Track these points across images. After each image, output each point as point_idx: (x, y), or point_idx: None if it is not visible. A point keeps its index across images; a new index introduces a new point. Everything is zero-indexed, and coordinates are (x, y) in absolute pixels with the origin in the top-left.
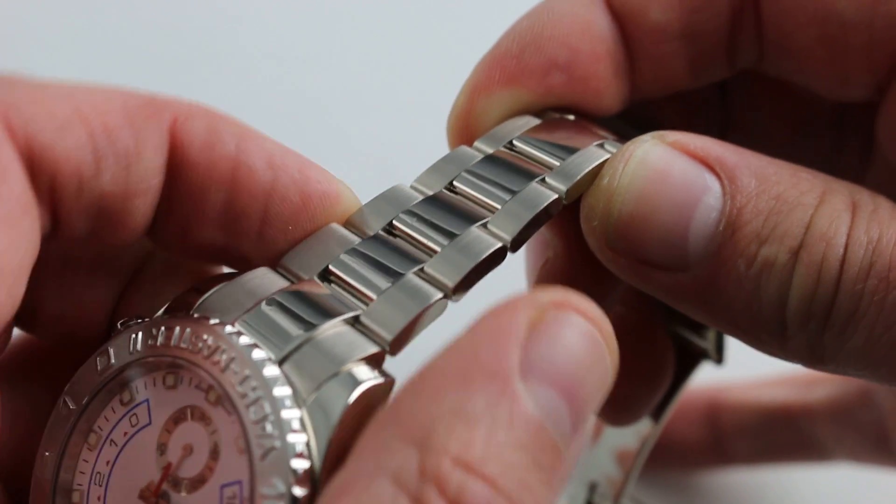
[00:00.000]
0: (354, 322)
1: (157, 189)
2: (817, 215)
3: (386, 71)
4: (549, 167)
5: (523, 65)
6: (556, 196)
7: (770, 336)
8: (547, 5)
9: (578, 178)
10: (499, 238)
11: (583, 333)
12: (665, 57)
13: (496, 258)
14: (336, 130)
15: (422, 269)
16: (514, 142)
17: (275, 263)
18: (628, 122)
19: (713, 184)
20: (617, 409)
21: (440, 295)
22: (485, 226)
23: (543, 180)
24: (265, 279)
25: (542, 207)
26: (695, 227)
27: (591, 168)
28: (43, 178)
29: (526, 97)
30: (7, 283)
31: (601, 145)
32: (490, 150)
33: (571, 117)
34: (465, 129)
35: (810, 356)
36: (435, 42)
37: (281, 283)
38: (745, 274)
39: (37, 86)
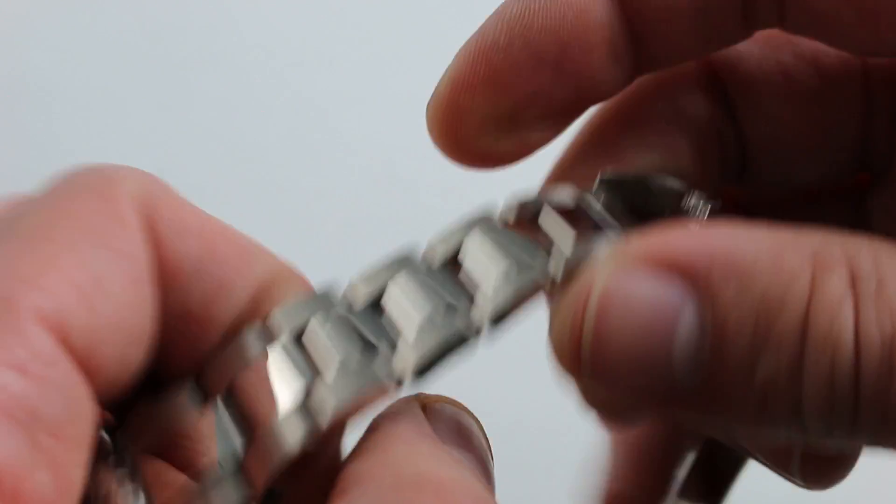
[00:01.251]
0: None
1: (229, 326)
2: (814, 312)
3: (386, 71)
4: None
5: (510, 60)
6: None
7: (793, 439)
8: None
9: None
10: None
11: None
12: (673, 33)
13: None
14: (335, 132)
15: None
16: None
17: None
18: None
19: (687, 301)
20: None
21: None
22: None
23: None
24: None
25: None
26: (678, 352)
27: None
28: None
29: (509, 100)
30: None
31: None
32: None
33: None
34: (444, 124)
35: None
36: (435, 42)
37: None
38: (746, 388)
39: (171, 190)
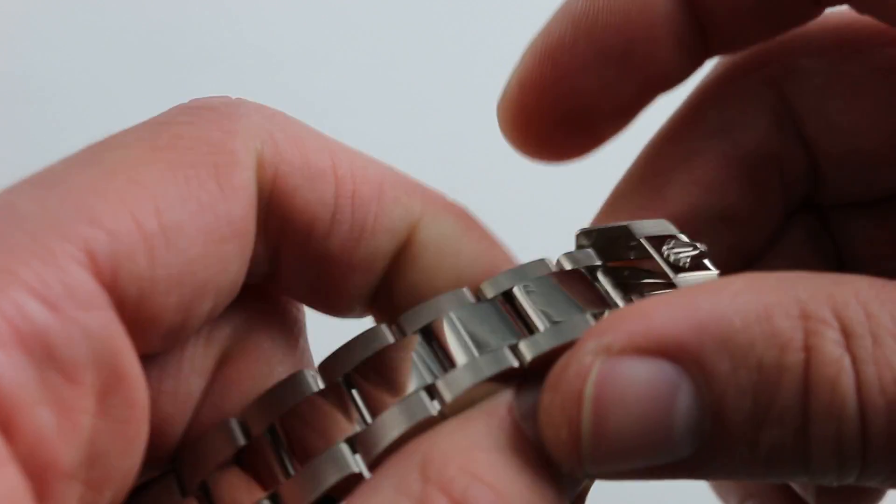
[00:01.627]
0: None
1: (379, 272)
2: (813, 381)
3: (385, 72)
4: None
5: (576, 59)
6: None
7: (797, 481)
8: None
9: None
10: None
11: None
12: (739, 15)
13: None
14: (335, 132)
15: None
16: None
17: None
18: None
19: (681, 380)
20: None
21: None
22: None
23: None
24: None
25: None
26: (678, 430)
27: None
28: (274, 219)
29: (578, 98)
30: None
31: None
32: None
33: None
34: (515, 123)
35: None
36: (434, 42)
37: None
38: (750, 457)
39: (300, 128)
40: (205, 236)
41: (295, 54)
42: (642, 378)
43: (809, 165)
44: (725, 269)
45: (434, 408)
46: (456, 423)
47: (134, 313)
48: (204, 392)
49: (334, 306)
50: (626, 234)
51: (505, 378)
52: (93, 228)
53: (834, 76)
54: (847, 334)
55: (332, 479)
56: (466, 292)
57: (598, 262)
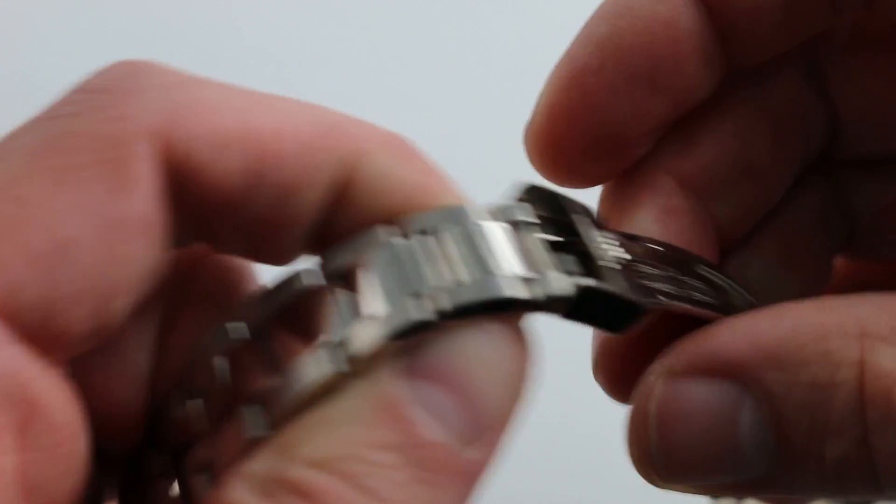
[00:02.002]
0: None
1: (315, 222)
2: (868, 392)
3: (386, 72)
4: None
5: (604, 83)
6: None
7: (870, 496)
8: (624, 2)
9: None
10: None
11: (489, 335)
12: (762, 29)
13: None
14: None
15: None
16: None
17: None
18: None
19: (743, 398)
20: None
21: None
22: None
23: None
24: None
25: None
26: (745, 446)
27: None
28: (189, 196)
29: (608, 123)
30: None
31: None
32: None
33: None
34: (545, 152)
35: None
36: (434, 42)
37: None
38: (819, 472)
39: (209, 91)
40: (105, 241)
41: (294, 54)
42: (703, 397)
43: (830, 121)
44: (739, 227)
45: (342, 364)
46: (336, 409)
47: (42, 334)
48: (153, 365)
49: (274, 259)
50: (554, 199)
51: (421, 330)
52: None
53: (858, 32)
54: None
55: (238, 444)
56: (393, 231)
57: (533, 220)
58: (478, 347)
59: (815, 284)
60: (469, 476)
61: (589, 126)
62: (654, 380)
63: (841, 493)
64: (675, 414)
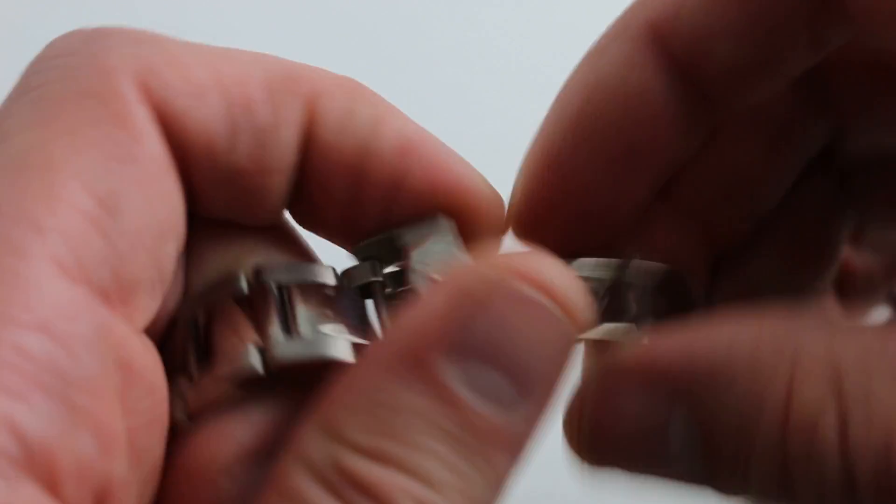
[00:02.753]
0: None
1: (292, 167)
2: (792, 426)
3: (386, 72)
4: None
5: (581, 167)
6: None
7: None
8: (594, 75)
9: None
10: None
11: (529, 305)
12: (740, 83)
13: None
14: None
15: None
16: None
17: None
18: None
19: (673, 408)
20: None
21: None
22: None
23: None
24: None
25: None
26: (674, 449)
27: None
28: (175, 146)
29: (588, 202)
30: (146, 244)
31: None
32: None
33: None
34: (527, 234)
35: None
36: (433, 42)
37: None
38: (745, 486)
39: (175, 46)
40: (138, 187)
41: (294, 54)
42: (636, 405)
43: (830, 120)
44: (737, 233)
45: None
46: (378, 368)
47: (116, 290)
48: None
49: (256, 215)
50: (390, 240)
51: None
52: (46, 234)
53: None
54: (839, 388)
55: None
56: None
57: (374, 278)
58: (525, 325)
59: (819, 281)
60: (525, 438)
61: (569, 207)
62: (596, 373)
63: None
64: (608, 411)
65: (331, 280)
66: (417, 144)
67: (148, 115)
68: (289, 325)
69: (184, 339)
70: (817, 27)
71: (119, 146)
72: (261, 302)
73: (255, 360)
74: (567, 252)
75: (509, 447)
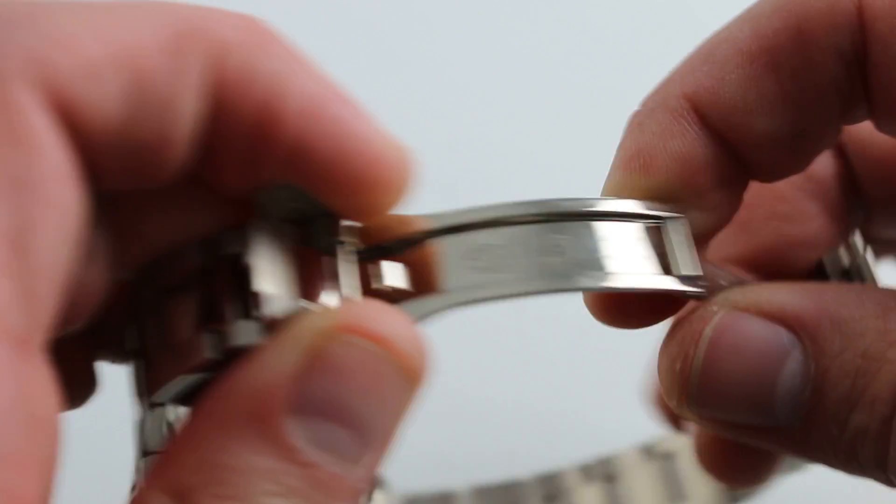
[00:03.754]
0: None
1: (197, 134)
2: None
3: (386, 72)
4: None
5: None
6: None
7: (875, 479)
8: (638, 145)
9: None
10: None
11: (367, 358)
12: (777, 156)
13: None
14: None
15: None
16: None
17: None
18: None
19: (793, 347)
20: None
21: None
22: None
23: None
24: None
25: None
26: (780, 392)
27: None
28: (72, 132)
29: None
30: (56, 273)
31: None
32: None
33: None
34: (591, 309)
35: None
36: (434, 42)
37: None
38: (838, 437)
39: (60, 18)
40: (47, 211)
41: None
42: (758, 334)
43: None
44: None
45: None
46: (219, 427)
47: (31, 334)
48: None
49: (161, 182)
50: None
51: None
52: None
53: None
54: None
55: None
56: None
57: (334, 238)
58: (360, 376)
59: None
60: (360, 489)
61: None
62: (717, 309)
63: (848, 465)
64: (727, 344)
65: (287, 241)
66: (321, 103)
67: (43, 118)
68: (247, 305)
69: (140, 324)
70: (847, 106)
71: (20, 168)
72: (215, 277)
73: (212, 351)
74: (624, 318)
75: (351, 496)
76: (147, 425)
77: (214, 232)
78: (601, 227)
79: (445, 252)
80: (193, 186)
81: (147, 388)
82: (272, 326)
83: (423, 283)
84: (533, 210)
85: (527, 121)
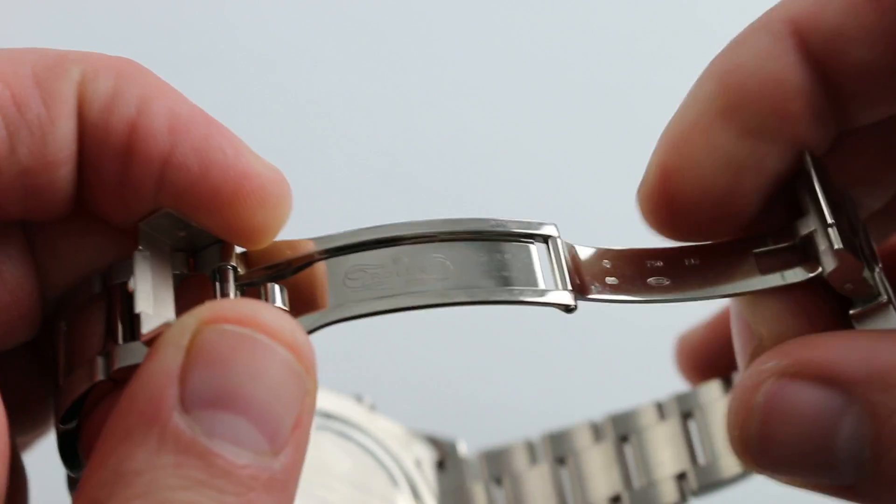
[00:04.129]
0: None
1: (74, 156)
2: None
3: (386, 72)
4: None
5: (713, 140)
6: None
7: None
8: (733, 59)
9: None
10: None
11: (239, 341)
12: (874, 91)
13: None
14: (335, 134)
15: None
16: None
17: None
18: None
19: (847, 409)
20: None
21: None
22: None
23: None
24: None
25: None
26: (840, 454)
27: None
28: None
29: (720, 178)
30: None
31: None
32: None
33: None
34: (658, 211)
35: None
36: (434, 42)
37: None
38: None
39: None
40: None
41: (294, 55)
42: (808, 401)
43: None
44: None
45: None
46: (118, 440)
47: None
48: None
49: (47, 212)
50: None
51: None
52: None
53: None
54: None
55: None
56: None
57: (223, 263)
58: (237, 359)
59: None
60: (286, 480)
61: (700, 184)
62: (766, 375)
63: None
64: (779, 411)
65: (173, 268)
66: (187, 122)
67: None
68: (134, 329)
69: (53, 346)
70: None
71: None
72: (112, 303)
73: (101, 372)
74: (690, 232)
75: (273, 487)
76: (63, 448)
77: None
78: (479, 247)
79: (328, 273)
80: (90, 220)
81: (55, 412)
82: (148, 338)
83: (306, 304)
84: (409, 231)
85: (524, 124)
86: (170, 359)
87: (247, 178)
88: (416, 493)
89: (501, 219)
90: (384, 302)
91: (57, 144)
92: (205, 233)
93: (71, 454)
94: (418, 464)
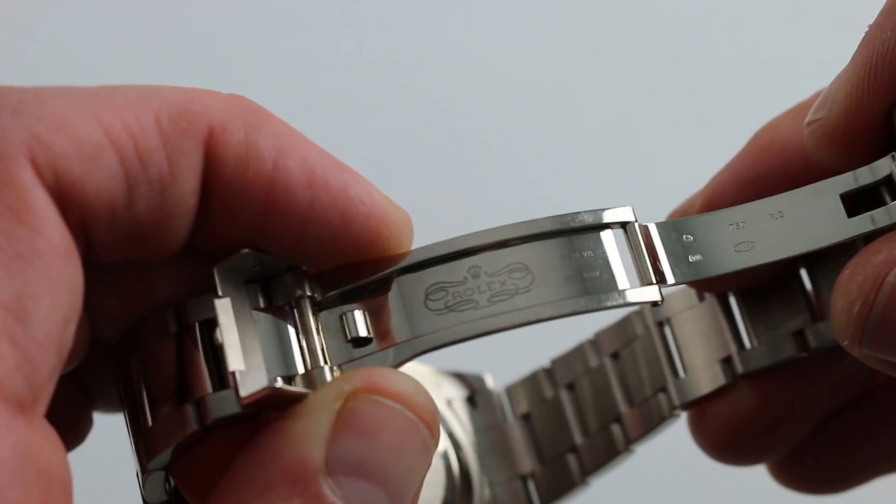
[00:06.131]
0: None
1: (193, 210)
2: None
3: (387, 72)
4: None
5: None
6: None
7: None
8: (885, 48)
9: None
10: None
11: (390, 415)
12: None
13: None
14: (336, 134)
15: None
16: None
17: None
18: None
19: None
20: None
21: None
22: None
23: None
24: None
25: None
26: None
27: None
28: (73, 214)
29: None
30: (55, 342)
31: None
32: None
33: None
34: (835, 143)
35: None
36: (435, 42)
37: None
38: None
39: (59, 102)
40: (44, 283)
41: (293, 55)
42: None
43: None
44: None
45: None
46: (258, 492)
47: (31, 398)
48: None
49: (157, 255)
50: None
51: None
52: None
53: None
54: None
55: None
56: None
57: (301, 292)
58: (384, 433)
59: None
60: None
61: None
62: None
63: None
64: None
65: (251, 303)
66: (323, 173)
67: (45, 197)
68: (222, 374)
69: (125, 381)
70: None
71: (20, 242)
72: (190, 344)
73: (194, 421)
74: (869, 150)
75: None
76: (148, 488)
77: (182, 293)
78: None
79: (406, 293)
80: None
81: (141, 453)
82: (249, 402)
83: (384, 326)
84: (484, 241)
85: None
86: (321, 422)
87: (385, 225)
88: (451, 435)
89: (574, 213)
90: (473, 326)
91: (176, 200)
92: (279, 261)
93: (157, 492)
94: (449, 403)
